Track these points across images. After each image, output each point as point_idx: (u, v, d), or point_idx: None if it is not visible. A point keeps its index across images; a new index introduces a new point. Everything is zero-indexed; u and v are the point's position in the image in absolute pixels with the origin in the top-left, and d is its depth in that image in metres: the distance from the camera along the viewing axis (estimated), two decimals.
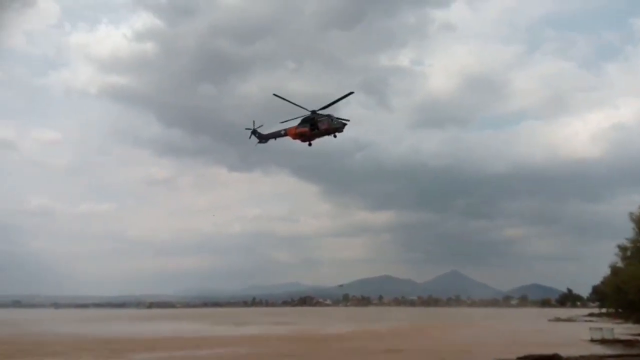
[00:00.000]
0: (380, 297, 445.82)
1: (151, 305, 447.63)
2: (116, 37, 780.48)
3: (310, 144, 51.44)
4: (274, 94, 49.26)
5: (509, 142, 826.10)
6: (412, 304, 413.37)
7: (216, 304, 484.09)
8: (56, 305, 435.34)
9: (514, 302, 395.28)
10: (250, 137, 53.93)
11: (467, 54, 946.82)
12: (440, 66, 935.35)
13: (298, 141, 54.41)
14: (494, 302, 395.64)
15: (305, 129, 50.14)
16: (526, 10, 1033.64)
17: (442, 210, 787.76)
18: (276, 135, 52.65)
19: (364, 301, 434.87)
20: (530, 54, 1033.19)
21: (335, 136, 50.70)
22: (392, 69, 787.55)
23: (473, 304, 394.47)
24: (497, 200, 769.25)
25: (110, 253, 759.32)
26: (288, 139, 52.48)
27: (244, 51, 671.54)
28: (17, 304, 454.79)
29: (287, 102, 48.58)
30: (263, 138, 53.93)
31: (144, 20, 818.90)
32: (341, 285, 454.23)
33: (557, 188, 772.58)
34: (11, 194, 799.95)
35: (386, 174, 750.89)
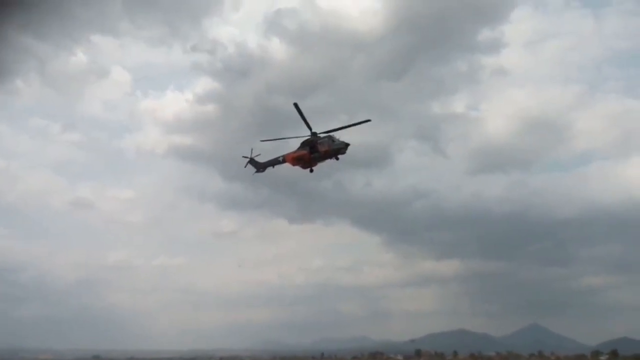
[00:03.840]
0: (455, 353, 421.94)
1: None
2: (181, 101, 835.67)
3: (311, 170, 48.00)
4: (295, 103, 45.06)
5: (578, 184, 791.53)
6: None
7: (284, 358, 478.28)
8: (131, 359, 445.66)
9: (602, 357, 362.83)
10: (246, 166, 51.43)
11: (525, 96, 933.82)
12: (496, 111, 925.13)
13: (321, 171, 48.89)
14: (580, 358, 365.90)
15: (304, 152, 46.99)
16: (583, 50, 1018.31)
17: (513, 258, 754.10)
18: (274, 162, 50.19)
19: (438, 357, 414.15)
20: (592, 94, 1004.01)
21: (337, 159, 46.69)
22: (445, 115, 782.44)
23: None
24: (571, 246, 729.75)
25: (183, 306, 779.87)
26: (287, 165, 49.05)
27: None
28: (96, 358, 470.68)
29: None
30: (260, 167, 51.13)
31: (204, 84, 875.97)
32: (413, 340, 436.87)
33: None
34: (91, 250, 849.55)
35: (448, 222, 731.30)
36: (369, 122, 47.28)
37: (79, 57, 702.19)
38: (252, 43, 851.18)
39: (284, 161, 49.70)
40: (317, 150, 46.63)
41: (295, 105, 45.19)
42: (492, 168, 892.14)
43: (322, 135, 47.10)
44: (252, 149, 50.48)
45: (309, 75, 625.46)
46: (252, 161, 51.22)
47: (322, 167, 50.94)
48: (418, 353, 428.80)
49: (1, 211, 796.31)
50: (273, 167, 51.34)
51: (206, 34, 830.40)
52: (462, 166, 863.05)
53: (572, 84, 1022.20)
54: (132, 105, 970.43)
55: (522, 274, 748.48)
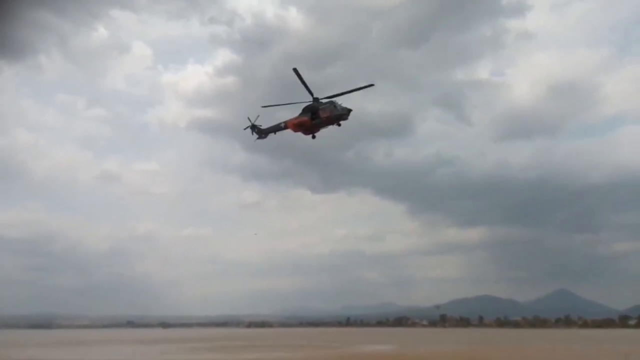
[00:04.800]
0: (481, 318, 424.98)
1: (250, 325, 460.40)
2: (201, 74, 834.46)
3: (314, 137, 47.26)
4: (294, 69, 44.09)
5: (607, 149, 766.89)
6: (515, 325, 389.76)
7: (311, 323, 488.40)
8: (164, 324, 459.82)
9: (631, 322, 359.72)
10: (245, 129, 51.14)
11: (551, 60, 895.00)
12: (522, 75, 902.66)
13: (301, 134, 48.16)
14: (608, 323, 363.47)
15: (306, 118, 46.17)
16: (610, 12, 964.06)
17: (539, 224, 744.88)
18: (276, 129, 49.79)
19: (463, 322, 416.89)
20: (621, 57, 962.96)
21: (339, 125, 45.60)
22: (469, 82, 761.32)
23: (585, 324, 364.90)
24: (600, 212, 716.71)
25: (211, 274, 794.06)
26: (289, 131, 48.72)
27: (316, 76, 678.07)
28: (130, 324, 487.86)
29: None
30: (262, 133, 50.72)
31: (223, 56, 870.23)
32: (438, 306, 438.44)
33: None
34: (120, 222, 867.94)
35: (473, 189, 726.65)
36: (372, 86, 46.08)
37: (100, 33, 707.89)
38: (270, 13, 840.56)
39: (285, 127, 49.12)
40: (319, 117, 45.75)
41: (295, 70, 43.44)
42: (518, 134, 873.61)
43: (324, 100, 44.82)
44: (258, 116, 49.70)
45: (327, 44, 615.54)
46: (254, 127, 50.28)
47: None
48: (443, 318, 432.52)
49: (32, 185, 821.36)
50: (275, 133, 50.07)
51: (224, 5, 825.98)
52: (486, 133, 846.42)
53: (600, 46, 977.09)
54: (154, 80, 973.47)
55: (549, 241, 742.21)
